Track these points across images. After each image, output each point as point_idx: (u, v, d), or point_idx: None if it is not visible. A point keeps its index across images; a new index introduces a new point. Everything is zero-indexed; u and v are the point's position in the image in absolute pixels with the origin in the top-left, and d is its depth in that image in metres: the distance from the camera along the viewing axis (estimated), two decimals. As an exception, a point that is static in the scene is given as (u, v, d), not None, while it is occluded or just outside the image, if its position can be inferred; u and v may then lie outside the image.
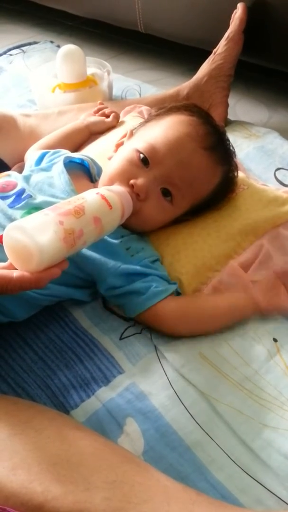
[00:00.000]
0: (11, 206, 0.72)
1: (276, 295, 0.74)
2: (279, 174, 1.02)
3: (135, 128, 0.83)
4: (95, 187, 0.77)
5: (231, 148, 0.81)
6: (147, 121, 0.83)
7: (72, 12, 1.67)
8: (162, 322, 0.70)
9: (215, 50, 1.15)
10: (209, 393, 0.64)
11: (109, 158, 0.81)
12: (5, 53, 1.60)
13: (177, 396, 0.64)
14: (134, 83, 1.39)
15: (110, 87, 1.27)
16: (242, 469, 0.58)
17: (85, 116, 1.02)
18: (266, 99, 1.37)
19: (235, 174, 0.83)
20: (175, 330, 0.71)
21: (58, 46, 1.57)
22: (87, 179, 0.83)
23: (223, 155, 0.78)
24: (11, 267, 0.55)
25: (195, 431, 0.61)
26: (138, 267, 0.71)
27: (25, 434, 0.52)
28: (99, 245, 0.70)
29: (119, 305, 0.74)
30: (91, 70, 1.28)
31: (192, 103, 0.85)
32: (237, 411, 0.63)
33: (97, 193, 0.64)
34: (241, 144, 1.10)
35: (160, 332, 0.71)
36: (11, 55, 1.59)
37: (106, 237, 0.72)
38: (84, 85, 1.22)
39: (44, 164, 0.83)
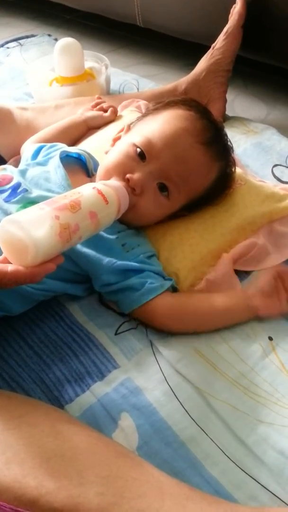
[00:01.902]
0: (6, 200, 0.71)
1: (275, 301, 0.72)
2: (277, 171, 1.01)
3: (133, 122, 0.83)
4: (92, 181, 0.76)
5: (228, 143, 0.81)
6: (144, 115, 0.82)
7: (71, 5, 1.66)
8: (157, 319, 0.70)
9: (213, 45, 1.15)
10: (204, 389, 0.64)
11: (106, 153, 0.81)
12: (2, 46, 1.59)
13: (172, 391, 0.64)
14: (132, 78, 1.38)
15: (107, 81, 1.27)
16: (237, 465, 0.58)
17: (83, 111, 1.02)
18: (265, 95, 1.37)
19: (233, 169, 0.82)
20: (169, 327, 0.71)
21: (56, 40, 1.56)
22: (83, 174, 0.82)
23: (221, 151, 0.78)
24: (6, 261, 0.55)
25: (190, 427, 0.61)
26: (133, 263, 0.71)
27: (19, 428, 0.51)
28: (94, 241, 0.70)
29: (114, 301, 0.74)
30: (88, 64, 1.27)
31: (190, 97, 0.85)
32: (232, 407, 0.63)
33: (93, 188, 0.64)
34: (239, 140, 1.10)
35: (154, 328, 0.71)
36: (8, 48, 1.59)
37: (102, 232, 0.71)
38: (82, 79, 1.21)
39: (40, 158, 0.83)
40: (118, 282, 0.71)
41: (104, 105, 1.02)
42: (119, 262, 0.71)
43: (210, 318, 0.72)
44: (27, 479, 0.46)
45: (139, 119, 0.82)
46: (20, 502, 0.45)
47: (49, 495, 0.46)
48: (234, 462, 0.58)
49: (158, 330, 0.71)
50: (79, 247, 0.70)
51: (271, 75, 1.42)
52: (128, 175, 0.71)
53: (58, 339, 0.71)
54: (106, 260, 0.71)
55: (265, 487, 0.56)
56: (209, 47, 1.16)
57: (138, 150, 0.72)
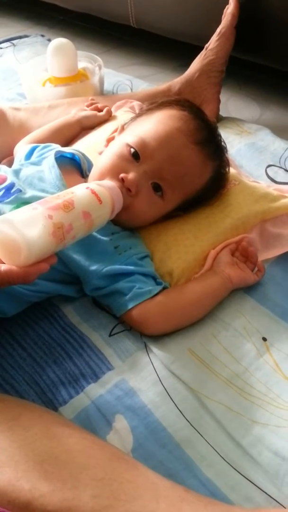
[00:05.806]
0: (0, 201, 0.71)
1: (241, 267, 0.77)
2: (271, 171, 1.02)
3: (126, 122, 0.83)
4: (86, 182, 0.76)
5: (222, 143, 0.81)
6: (138, 115, 0.82)
7: (64, 6, 1.66)
8: (145, 323, 0.69)
9: (207, 45, 1.15)
10: (199, 390, 0.64)
11: (100, 153, 0.80)
12: (-5, 46, 1.59)
13: (167, 392, 0.64)
14: (126, 78, 1.38)
15: (101, 82, 1.27)
16: (232, 466, 0.58)
17: (77, 111, 1.01)
18: (258, 96, 1.38)
19: (227, 169, 0.82)
20: (159, 329, 0.70)
21: (49, 40, 1.55)
22: (77, 174, 0.82)
23: (214, 150, 0.78)
24: (-1, 261, 0.55)
25: (184, 428, 0.61)
26: (122, 267, 0.71)
27: (12, 431, 0.51)
28: (87, 244, 0.69)
29: (106, 305, 0.74)
30: (82, 64, 1.27)
31: (183, 98, 0.85)
32: (226, 408, 0.63)
33: (87, 188, 0.63)
34: (233, 141, 1.10)
35: (147, 334, 0.70)
36: (1, 48, 1.58)
37: (96, 234, 0.71)
38: (75, 79, 1.21)
39: (34, 158, 0.83)
40: (107, 286, 0.71)
41: (99, 105, 1.02)
42: (108, 267, 0.70)
43: (196, 304, 0.72)
44: (21, 482, 0.46)
45: (132, 119, 0.82)
46: (14, 506, 0.45)
47: (43, 498, 0.45)
48: (229, 464, 0.58)
49: (149, 335, 0.70)
50: (69, 252, 0.70)
51: (264, 76, 1.43)
52: (122, 175, 0.70)
53: (52, 340, 0.70)
54: (95, 266, 0.70)
55: (260, 488, 0.56)
56: (202, 48, 1.16)
57: (132, 150, 0.72)
